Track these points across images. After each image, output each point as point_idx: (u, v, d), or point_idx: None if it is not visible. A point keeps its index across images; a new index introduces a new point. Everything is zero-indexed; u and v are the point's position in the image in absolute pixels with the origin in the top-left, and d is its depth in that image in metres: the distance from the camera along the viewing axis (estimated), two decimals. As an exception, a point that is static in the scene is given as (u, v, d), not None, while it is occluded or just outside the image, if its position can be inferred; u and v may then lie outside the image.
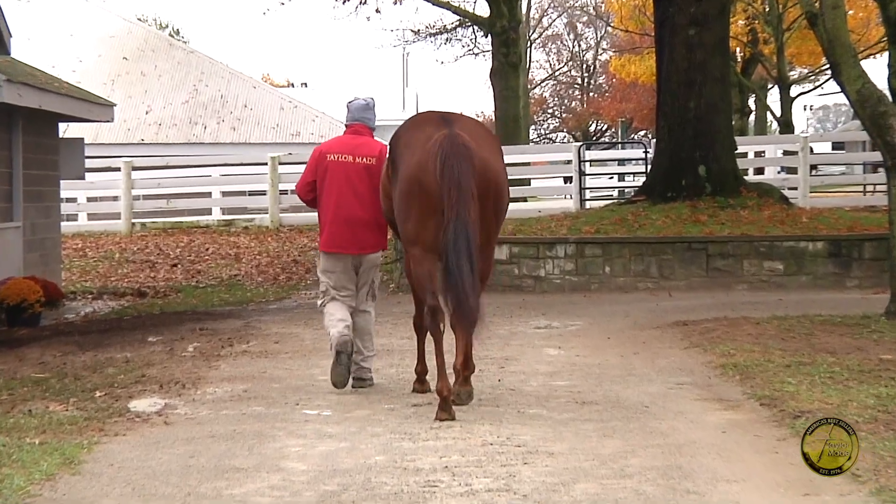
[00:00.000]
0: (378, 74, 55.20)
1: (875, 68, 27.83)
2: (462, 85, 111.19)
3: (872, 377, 9.39)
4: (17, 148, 16.74)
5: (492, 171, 8.62)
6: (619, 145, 47.00)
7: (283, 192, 27.60)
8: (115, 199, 28.21)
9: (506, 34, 36.57)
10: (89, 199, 29.28)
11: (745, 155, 27.99)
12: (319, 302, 9.91)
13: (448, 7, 40.53)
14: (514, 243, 17.65)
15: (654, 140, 22.80)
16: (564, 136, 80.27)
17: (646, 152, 26.18)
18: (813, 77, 48.34)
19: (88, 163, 20.36)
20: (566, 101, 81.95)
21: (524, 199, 30.35)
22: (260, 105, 38.58)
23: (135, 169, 28.09)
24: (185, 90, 38.61)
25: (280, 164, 27.63)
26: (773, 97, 48.89)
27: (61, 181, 18.88)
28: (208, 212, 29.36)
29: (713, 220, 18.53)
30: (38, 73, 17.94)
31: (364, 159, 9.67)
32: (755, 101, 47.39)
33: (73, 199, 28.15)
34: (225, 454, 7.51)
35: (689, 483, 6.66)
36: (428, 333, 8.94)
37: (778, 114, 42.30)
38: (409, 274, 9.22)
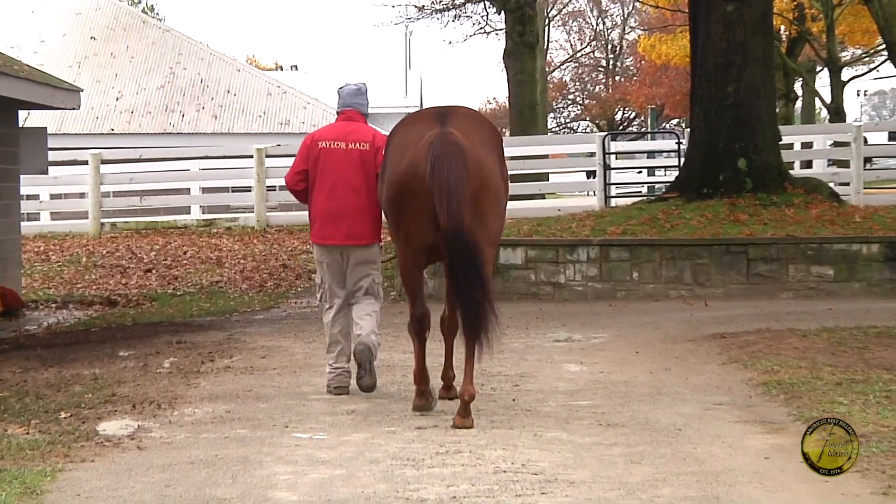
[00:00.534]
0: (377, 56, 54.99)
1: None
2: (472, 68, 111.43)
3: (934, 396, 9.40)
4: (-29, 139, 16.78)
5: (486, 170, 9.07)
6: (649, 135, 46.97)
7: (271, 189, 27.62)
8: (82, 196, 28.25)
9: (521, 10, 36.61)
10: (53, 197, 29.33)
11: (790, 146, 27.96)
12: (318, 295, 10.62)
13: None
14: (530, 246, 17.65)
15: (688, 129, 22.79)
16: (587, 126, 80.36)
17: (678, 143, 26.18)
18: (867, 58, 48.34)
19: (52, 155, 20.38)
20: (589, 85, 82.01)
21: (542, 197, 30.32)
22: (245, 90, 38.61)
23: (104, 162, 28.13)
24: (160, 74, 38.65)
25: (267, 156, 27.66)
26: (823, 81, 48.97)
27: (21, 176, 18.91)
28: (187, 210, 29.40)
29: (754, 220, 18.52)
30: (-5, 54, 17.97)
31: (357, 145, 10.23)
32: (802, 85, 47.40)
33: (35, 197, 28.19)
34: (205, 483, 7.52)
35: (727, 515, 6.67)
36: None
37: (827, 100, 42.34)
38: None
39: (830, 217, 18.78)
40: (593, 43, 79.26)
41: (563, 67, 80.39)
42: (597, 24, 78.19)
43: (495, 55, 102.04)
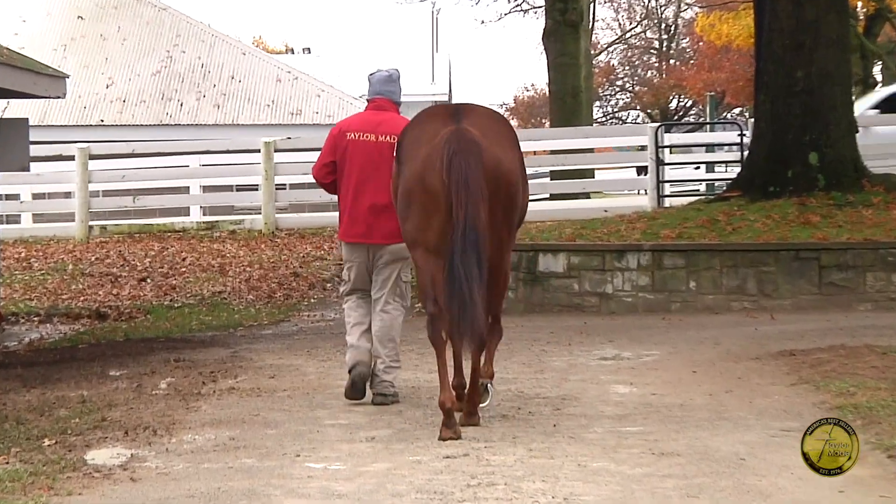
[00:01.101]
0: (401, 38, 55.11)
1: None
2: (507, 51, 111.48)
3: None
4: (-58, 132, 16.87)
5: (503, 168, 9.61)
6: (707, 126, 46.88)
7: (281, 187, 27.64)
8: (68, 195, 28.33)
9: (563, -15, 36.56)
10: (35, 196, 29.41)
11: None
12: (342, 289, 11.25)
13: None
14: (573, 251, 17.65)
15: (752, 120, 22.76)
16: (637, 116, 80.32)
17: (741, 135, 26.15)
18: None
19: (34, 150, 20.45)
20: (640, 70, 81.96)
21: (586, 196, 30.25)
22: (251, 76, 38.70)
23: (92, 158, 28.19)
24: (155, 58, 38.77)
25: (276, 150, 27.63)
26: (905, 64, 48.71)
27: (0, 174, 19.01)
28: (185, 212, 29.48)
29: (827, 222, 18.49)
30: (-29, 36, 18.08)
31: (388, 137, 10.59)
32: (882, 69, 47.29)
33: (15, 197, 28.33)
34: (207, 518, 7.54)
35: (796, 557, 6.67)
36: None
37: (911, 85, 42.18)
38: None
39: (914, 219, 18.73)
40: (644, 22, 79.16)
41: (610, 50, 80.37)
42: (649, 1, 78.13)
43: (534, 36, 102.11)
